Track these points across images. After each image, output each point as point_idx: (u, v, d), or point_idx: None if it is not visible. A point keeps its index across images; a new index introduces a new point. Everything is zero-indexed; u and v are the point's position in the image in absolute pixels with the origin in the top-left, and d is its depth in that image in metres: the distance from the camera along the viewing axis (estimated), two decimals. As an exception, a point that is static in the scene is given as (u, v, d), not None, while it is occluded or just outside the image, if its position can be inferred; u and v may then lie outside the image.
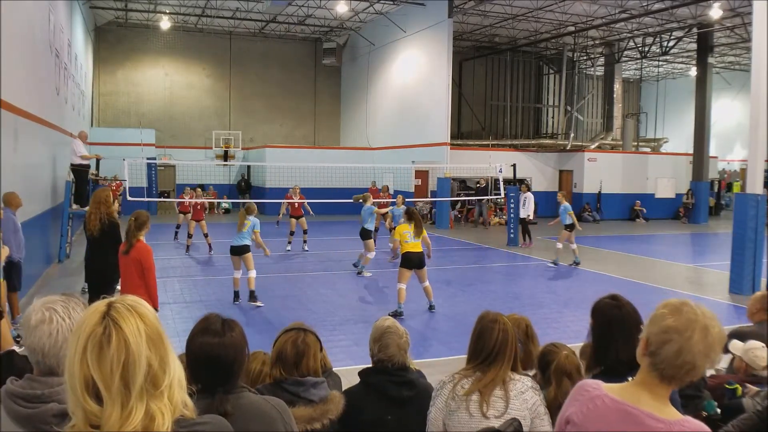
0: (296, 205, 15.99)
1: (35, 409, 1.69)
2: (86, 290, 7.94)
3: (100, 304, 1.36)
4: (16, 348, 2.80)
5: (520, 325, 3.50)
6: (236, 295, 10.01)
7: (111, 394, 1.28)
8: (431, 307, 9.57)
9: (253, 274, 9.86)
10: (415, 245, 9.12)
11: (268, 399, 2.08)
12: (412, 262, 9.13)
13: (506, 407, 2.61)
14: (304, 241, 15.86)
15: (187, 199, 15.98)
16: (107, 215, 7.22)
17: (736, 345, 3.87)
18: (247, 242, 9.87)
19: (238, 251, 9.84)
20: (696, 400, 3.36)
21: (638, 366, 1.81)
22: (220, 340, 2.05)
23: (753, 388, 3.40)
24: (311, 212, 16.61)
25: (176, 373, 1.39)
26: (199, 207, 15.55)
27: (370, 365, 3.11)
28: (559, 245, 14.36)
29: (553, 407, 2.79)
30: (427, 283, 9.44)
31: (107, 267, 7.17)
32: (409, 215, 9.38)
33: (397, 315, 8.83)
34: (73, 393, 1.30)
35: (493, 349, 2.70)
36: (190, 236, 15.43)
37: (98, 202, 7.27)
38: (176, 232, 17.16)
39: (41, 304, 1.79)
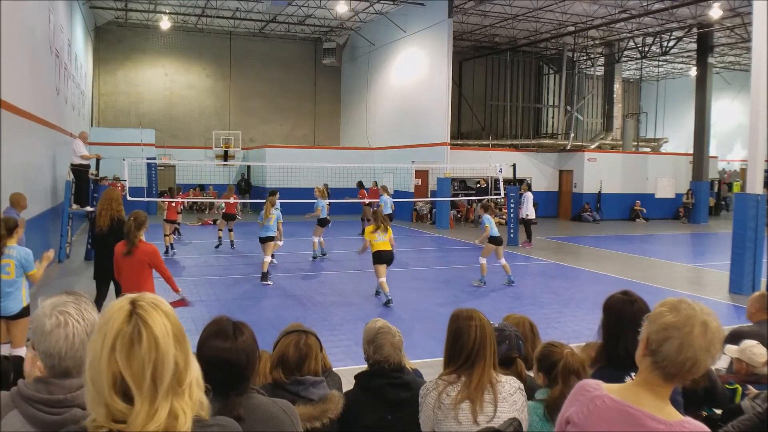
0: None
1: (59, 415, 1.67)
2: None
3: (124, 302, 1.34)
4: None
5: (524, 323, 3.49)
6: (264, 275, 11.62)
7: (142, 393, 1.27)
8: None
9: (267, 259, 11.69)
10: (384, 244, 9.98)
11: (276, 401, 2.08)
12: (384, 259, 10.02)
13: (495, 411, 2.57)
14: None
15: (232, 200, 16.41)
16: (117, 213, 7.50)
17: (730, 348, 3.88)
18: (272, 234, 11.65)
19: (265, 240, 11.64)
20: (715, 392, 3.34)
21: None
22: (233, 344, 2.04)
23: (753, 390, 3.40)
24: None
25: (196, 371, 1.38)
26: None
27: (366, 368, 3.10)
28: None
29: (560, 407, 2.78)
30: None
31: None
32: (374, 216, 10.34)
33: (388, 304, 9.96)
34: (97, 391, 1.29)
35: (473, 348, 2.62)
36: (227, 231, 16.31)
37: (110, 199, 7.65)
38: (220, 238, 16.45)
39: (51, 307, 1.76)
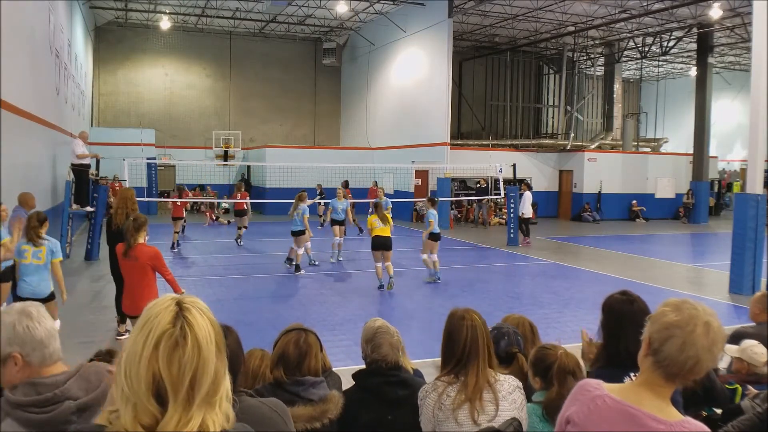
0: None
1: (51, 412, 1.68)
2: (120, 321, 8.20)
3: (170, 302, 1.29)
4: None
5: (523, 324, 3.49)
6: (297, 267, 12.79)
7: (177, 398, 1.23)
8: (389, 285, 11.01)
9: (301, 251, 12.95)
10: (383, 230, 10.95)
11: (265, 402, 2.05)
12: (380, 244, 10.94)
13: (497, 410, 2.57)
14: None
15: (239, 198, 17.07)
16: (132, 212, 7.77)
17: (730, 348, 3.87)
18: (302, 227, 12.72)
19: (297, 234, 12.78)
20: (714, 392, 3.34)
21: None
22: None
23: (753, 390, 3.40)
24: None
25: (227, 384, 1.34)
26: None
27: (363, 367, 3.09)
28: None
29: (558, 407, 2.77)
30: (389, 263, 11.06)
31: None
32: (375, 208, 11.36)
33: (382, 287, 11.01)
34: (130, 389, 1.23)
35: (465, 348, 2.62)
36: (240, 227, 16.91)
37: (125, 198, 8.11)
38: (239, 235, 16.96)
39: (15, 308, 1.84)
